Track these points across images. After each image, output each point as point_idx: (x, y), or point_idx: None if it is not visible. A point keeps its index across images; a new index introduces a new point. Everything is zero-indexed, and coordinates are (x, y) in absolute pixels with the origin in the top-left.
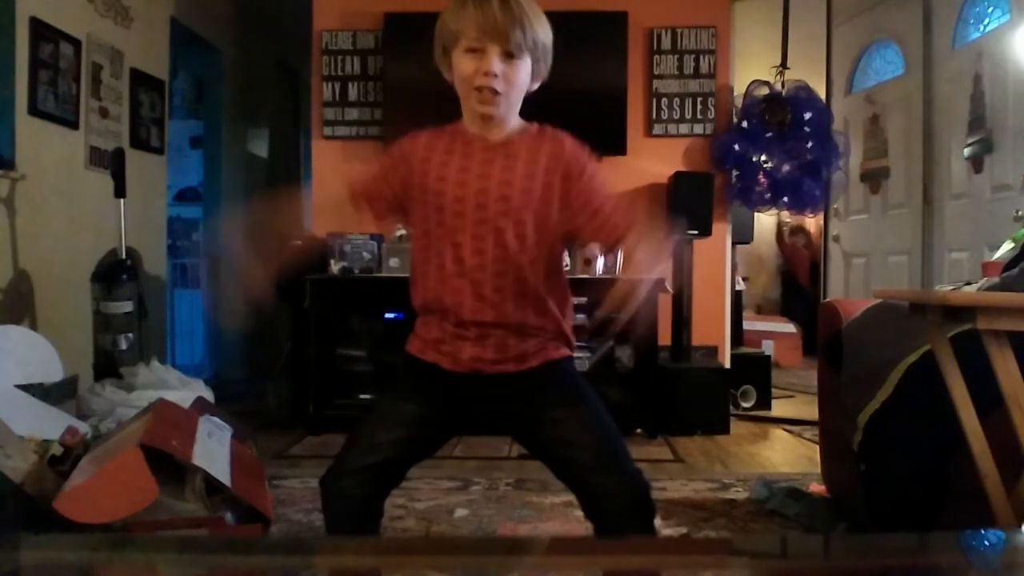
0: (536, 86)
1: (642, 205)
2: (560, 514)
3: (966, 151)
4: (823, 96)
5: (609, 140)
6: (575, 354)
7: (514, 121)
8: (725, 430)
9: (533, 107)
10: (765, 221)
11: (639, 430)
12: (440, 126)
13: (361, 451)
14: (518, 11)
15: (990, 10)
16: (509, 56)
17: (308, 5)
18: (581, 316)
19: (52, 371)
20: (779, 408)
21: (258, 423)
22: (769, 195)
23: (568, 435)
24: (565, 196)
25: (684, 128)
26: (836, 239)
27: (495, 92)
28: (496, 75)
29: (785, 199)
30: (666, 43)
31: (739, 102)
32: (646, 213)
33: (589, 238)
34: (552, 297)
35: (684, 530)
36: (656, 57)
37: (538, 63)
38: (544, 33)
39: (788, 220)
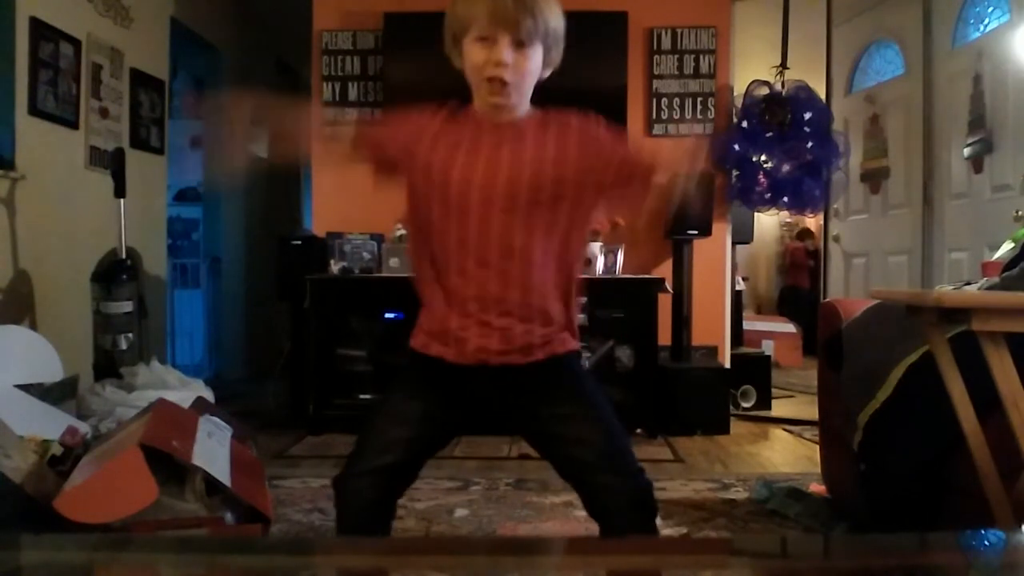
0: (548, 73)
1: (667, 144)
2: (560, 514)
3: (966, 151)
4: (823, 96)
5: None
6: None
7: (524, 108)
8: (725, 430)
9: (533, 106)
10: (765, 221)
11: (639, 430)
12: (450, 106)
13: (375, 451)
14: None
15: (990, 10)
16: (520, 45)
17: (308, 5)
18: (580, 316)
19: (52, 371)
20: (779, 408)
21: (258, 423)
22: (769, 195)
23: (573, 432)
24: (585, 166)
25: (684, 128)
26: (836, 239)
27: (504, 83)
28: (507, 65)
29: (785, 199)
30: (666, 43)
31: (739, 102)
32: (671, 147)
33: (624, 191)
34: (559, 288)
35: (684, 530)
36: (656, 57)
37: (549, 51)
38: (555, 19)
39: (788, 220)
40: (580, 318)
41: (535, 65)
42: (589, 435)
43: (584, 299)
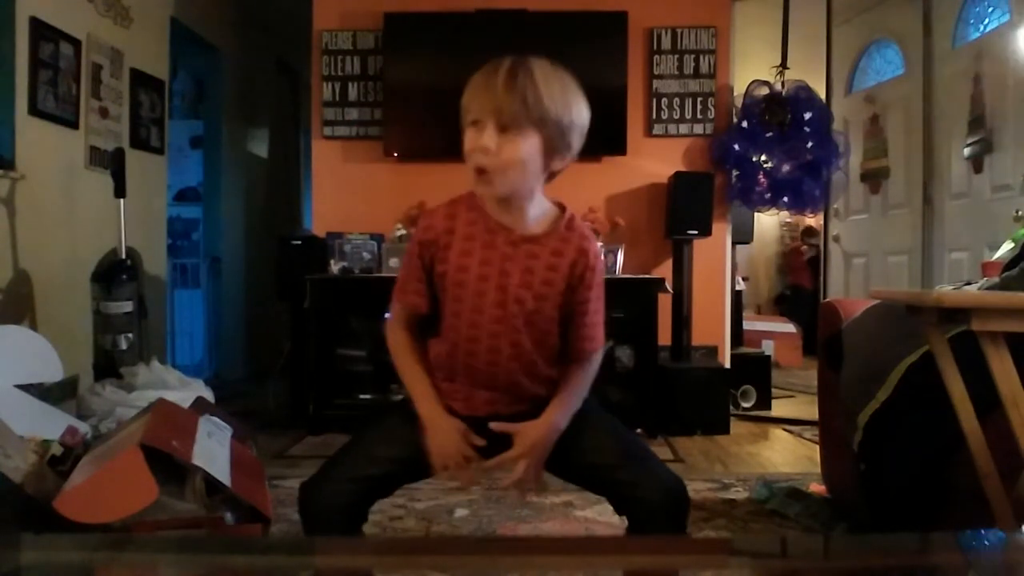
0: (559, 165)
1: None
2: (560, 514)
3: (966, 151)
4: (823, 96)
5: (609, 140)
6: None
7: (536, 206)
8: (725, 430)
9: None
10: (765, 221)
11: (639, 430)
12: (455, 200)
13: (360, 462)
14: (524, 83)
15: (990, 10)
16: (504, 129)
17: (308, 5)
18: None
19: (52, 371)
20: (779, 408)
21: (258, 423)
22: (769, 195)
23: (588, 443)
24: (569, 297)
25: (684, 128)
26: (836, 239)
27: (483, 170)
28: (489, 149)
29: (785, 199)
30: (666, 43)
31: (739, 102)
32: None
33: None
34: (555, 361)
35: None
36: (656, 57)
37: (552, 139)
38: (558, 108)
39: (788, 220)
40: None
41: (526, 153)
42: (604, 441)
43: None
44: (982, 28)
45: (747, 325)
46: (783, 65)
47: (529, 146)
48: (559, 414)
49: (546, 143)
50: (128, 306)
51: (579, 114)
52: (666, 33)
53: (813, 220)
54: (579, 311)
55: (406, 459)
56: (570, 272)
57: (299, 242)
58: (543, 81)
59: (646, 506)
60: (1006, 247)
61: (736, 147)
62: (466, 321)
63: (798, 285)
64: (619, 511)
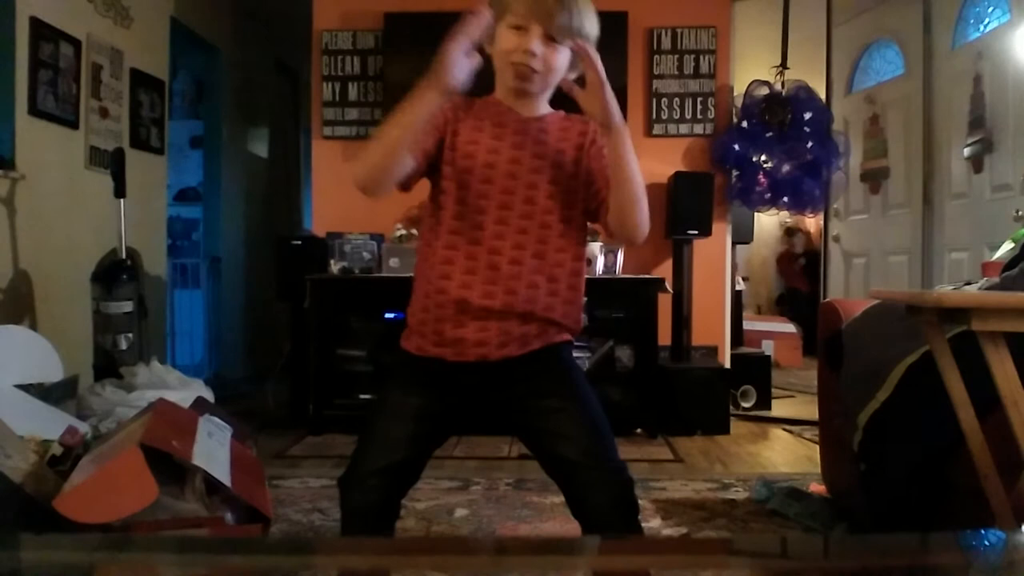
0: (573, 76)
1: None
2: (560, 514)
3: (966, 151)
4: (823, 96)
5: None
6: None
7: (545, 104)
8: (725, 430)
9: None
10: (765, 221)
11: (639, 430)
12: (469, 96)
13: (380, 451)
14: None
15: (990, 10)
16: (551, 40)
17: (308, 5)
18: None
19: (52, 371)
20: (779, 408)
21: (258, 423)
22: (769, 195)
23: (558, 427)
24: (588, 178)
25: (684, 128)
26: (836, 239)
27: (532, 70)
28: (535, 55)
29: (785, 199)
30: (666, 43)
31: (739, 102)
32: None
33: (602, 197)
34: (566, 279)
35: (684, 530)
36: (656, 57)
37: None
38: (591, 25)
39: (788, 220)
40: (582, 319)
41: (562, 63)
42: (573, 431)
43: (584, 299)
44: (982, 28)
45: (747, 325)
46: (783, 65)
47: (565, 56)
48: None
49: (572, 60)
50: (128, 306)
51: (596, 33)
52: (666, 33)
53: (812, 221)
54: (597, 165)
55: (419, 433)
56: (579, 140)
57: (299, 242)
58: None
59: (596, 513)
60: (1006, 247)
61: (736, 147)
62: (474, 195)
63: (794, 288)
64: (571, 510)
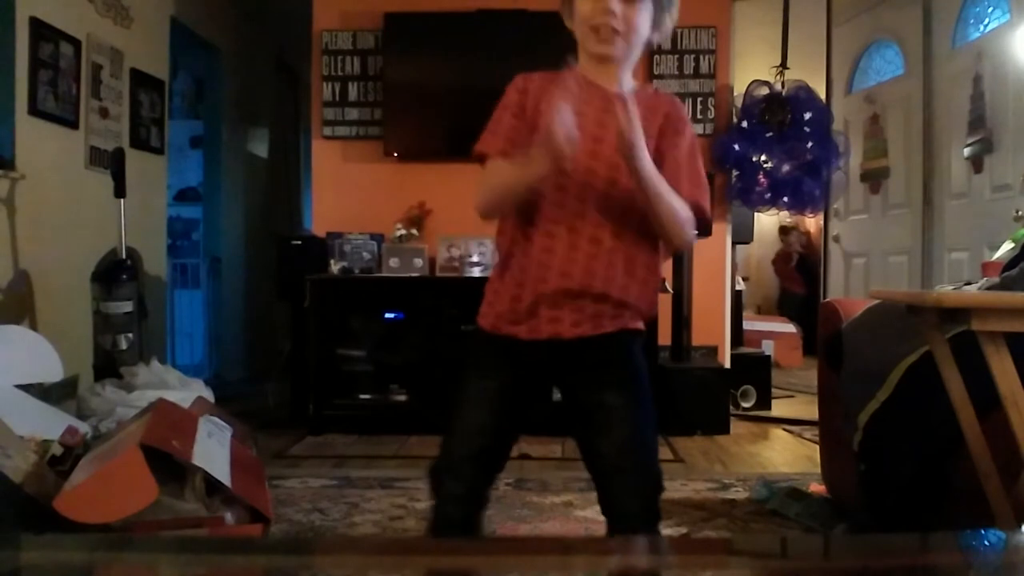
0: (657, 38)
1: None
2: (560, 514)
3: (966, 151)
4: (823, 96)
5: None
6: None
7: (629, 75)
8: (725, 430)
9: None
10: (765, 221)
11: None
12: (552, 71)
13: (467, 438)
14: None
15: (990, 10)
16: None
17: (308, 5)
18: None
19: (52, 371)
20: (779, 408)
21: (258, 423)
22: (769, 195)
23: (607, 423)
24: (658, 153)
25: None
26: (836, 239)
27: (614, 31)
28: (615, 13)
29: (785, 199)
30: (666, 43)
31: (739, 102)
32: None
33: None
34: (643, 266)
35: (684, 530)
36: (656, 57)
37: (661, 12)
38: None
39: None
40: (657, 302)
41: (644, 22)
42: (620, 431)
43: (662, 279)
44: (982, 28)
45: (747, 325)
46: (783, 65)
47: (646, 16)
48: (647, 159)
49: (655, 16)
50: (128, 306)
51: None
52: None
53: (812, 221)
54: (672, 155)
55: (500, 416)
56: (664, 121)
57: (299, 242)
58: None
59: (622, 515)
60: (1006, 247)
61: (736, 147)
62: (554, 185)
63: (789, 290)
64: (601, 507)
